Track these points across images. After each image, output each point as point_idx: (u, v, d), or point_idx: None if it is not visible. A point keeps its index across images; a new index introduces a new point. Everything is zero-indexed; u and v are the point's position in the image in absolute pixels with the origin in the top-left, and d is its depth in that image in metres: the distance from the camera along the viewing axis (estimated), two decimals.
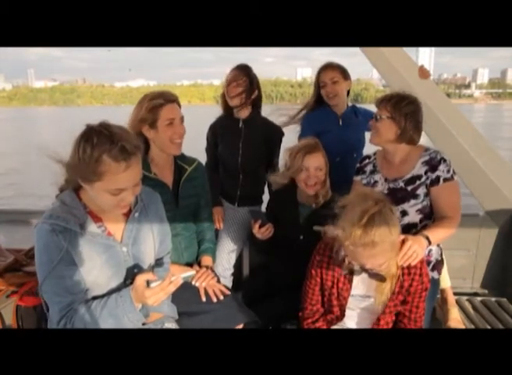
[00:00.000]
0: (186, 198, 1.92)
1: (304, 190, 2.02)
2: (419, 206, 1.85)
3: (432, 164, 1.82)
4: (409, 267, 1.56)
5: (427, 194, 1.84)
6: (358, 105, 2.70)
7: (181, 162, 1.93)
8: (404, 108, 1.80)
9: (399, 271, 1.55)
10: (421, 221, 1.88)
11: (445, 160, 1.82)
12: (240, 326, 1.78)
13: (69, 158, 1.27)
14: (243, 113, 2.41)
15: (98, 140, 1.20)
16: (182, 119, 1.83)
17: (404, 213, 1.87)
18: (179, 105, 1.84)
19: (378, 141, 1.89)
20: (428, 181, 1.82)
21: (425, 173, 1.83)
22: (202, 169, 2.03)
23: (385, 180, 1.92)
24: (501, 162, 2.51)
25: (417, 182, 1.84)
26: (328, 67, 2.48)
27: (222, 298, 1.78)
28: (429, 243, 1.67)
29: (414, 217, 1.87)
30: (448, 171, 1.81)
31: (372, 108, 2.76)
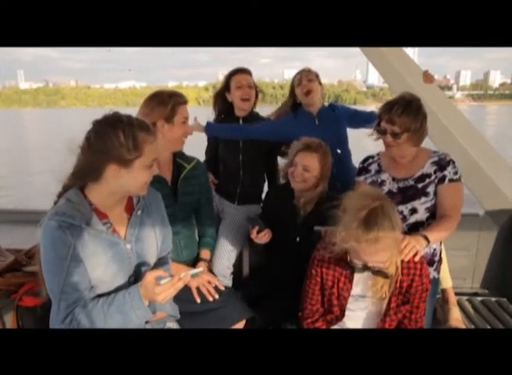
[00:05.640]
0: (184, 195, 1.95)
1: (291, 183, 2.03)
2: (428, 204, 1.88)
3: (441, 164, 1.87)
4: (408, 268, 1.57)
5: (435, 193, 1.87)
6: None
7: (180, 160, 1.96)
8: (419, 116, 1.80)
9: (398, 271, 1.55)
10: (427, 219, 1.90)
11: (453, 162, 1.87)
12: (242, 323, 1.80)
13: (91, 148, 1.30)
14: (243, 112, 2.51)
15: (126, 121, 1.30)
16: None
17: (414, 211, 1.88)
18: None
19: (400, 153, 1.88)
20: (437, 180, 1.86)
21: (435, 172, 1.87)
22: (202, 167, 2.05)
23: (393, 179, 1.94)
24: (501, 162, 2.52)
25: (427, 180, 1.87)
26: (305, 70, 2.51)
27: (217, 296, 1.81)
28: (428, 242, 1.68)
29: (422, 215, 1.89)
30: (455, 173, 1.86)
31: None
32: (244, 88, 2.44)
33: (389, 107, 1.82)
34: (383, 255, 1.44)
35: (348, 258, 1.54)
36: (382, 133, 1.85)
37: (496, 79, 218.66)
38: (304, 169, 1.97)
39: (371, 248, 1.41)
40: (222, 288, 1.87)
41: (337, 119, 2.51)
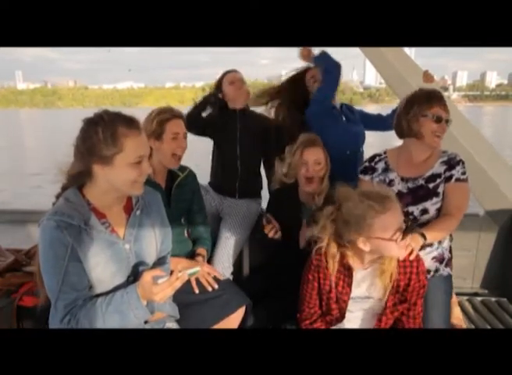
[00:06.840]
0: (177, 202, 2.02)
1: (303, 187, 2.04)
2: (439, 205, 1.85)
3: (451, 164, 1.85)
4: (404, 266, 1.55)
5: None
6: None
7: (174, 169, 2.04)
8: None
9: (396, 269, 1.53)
10: None
11: (463, 163, 1.86)
12: (243, 309, 1.84)
13: (78, 147, 1.32)
14: (239, 104, 2.58)
15: (107, 118, 1.30)
16: (185, 134, 1.96)
17: (425, 212, 1.85)
18: (184, 122, 1.98)
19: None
20: (444, 179, 1.84)
21: (444, 171, 1.85)
22: (193, 176, 2.14)
23: (402, 179, 1.89)
24: (501, 162, 2.52)
25: (438, 180, 1.85)
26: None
27: (216, 287, 1.84)
28: (425, 239, 1.66)
29: (433, 216, 1.86)
30: (463, 173, 1.84)
31: None
32: (237, 82, 2.55)
33: (435, 93, 1.82)
34: (401, 213, 1.47)
35: (364, 259, 1.53)
36: (438, 121, 1.79)
37: (492, 80, 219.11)
38: (315, 163, 2.02)
39: (394, 212, 1.42)
40: (222, 278, 1.91)
41: (356, 119, 2.56)
